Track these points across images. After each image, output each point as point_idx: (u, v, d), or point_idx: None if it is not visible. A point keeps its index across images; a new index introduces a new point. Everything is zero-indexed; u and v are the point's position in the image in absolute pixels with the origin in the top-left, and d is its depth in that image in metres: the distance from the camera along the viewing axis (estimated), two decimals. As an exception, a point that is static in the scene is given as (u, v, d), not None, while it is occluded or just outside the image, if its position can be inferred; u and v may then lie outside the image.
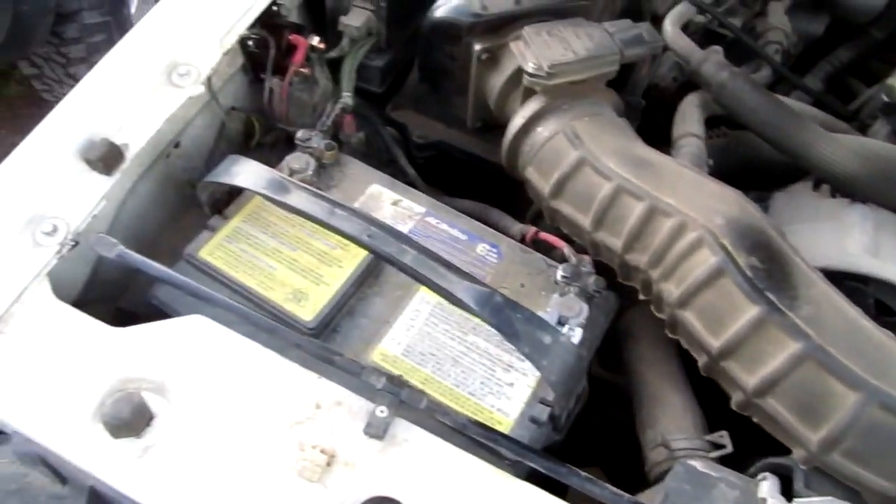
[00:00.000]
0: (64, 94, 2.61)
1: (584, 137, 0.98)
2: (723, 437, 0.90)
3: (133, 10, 2.44)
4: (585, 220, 0.97)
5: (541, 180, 1.02)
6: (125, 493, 0.75)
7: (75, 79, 2.39)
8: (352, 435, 0.78)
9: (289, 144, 1.25)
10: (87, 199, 0.92)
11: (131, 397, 0.78)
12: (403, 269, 0.84)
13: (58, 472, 0.84)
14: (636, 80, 1.10)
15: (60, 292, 0.91)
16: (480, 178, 1.26)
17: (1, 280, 0.85)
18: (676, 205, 0.89)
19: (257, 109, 1.23)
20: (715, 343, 0.84)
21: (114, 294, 1.04)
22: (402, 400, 0.78)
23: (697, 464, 0.84)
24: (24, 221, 0.89)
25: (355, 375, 0.80)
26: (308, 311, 0.93)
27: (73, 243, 0.89)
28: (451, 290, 0.81)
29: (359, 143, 1.24)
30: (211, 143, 1.17)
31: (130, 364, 0.82)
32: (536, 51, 0.99)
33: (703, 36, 1.25)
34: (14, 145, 0.94)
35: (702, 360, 0.88)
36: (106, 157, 0.92)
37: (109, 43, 2.31)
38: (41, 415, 0.78)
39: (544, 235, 1.05)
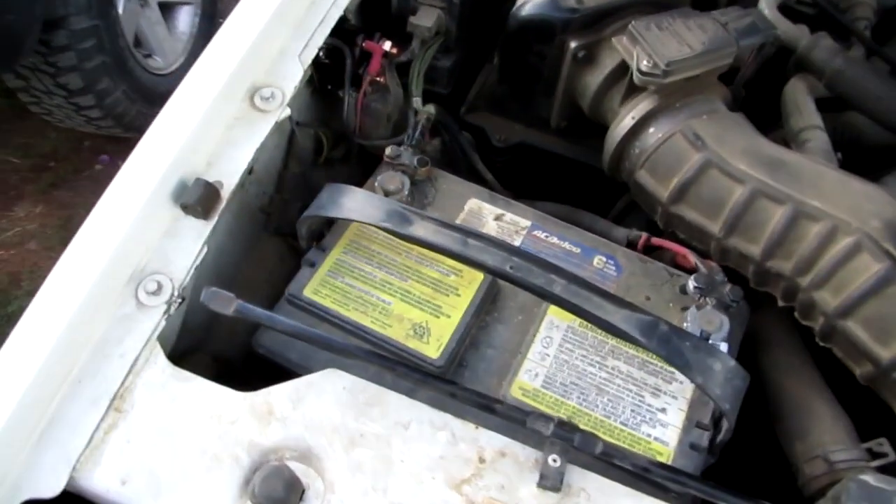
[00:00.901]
0: (53, 105, 2.45)
1: (706, 137, 0.92)
2: (882, 444, 0.86)
3: (121, 10, 2.29)
4: (714, 226, 0.91)
5: (657, 185, 0.96)
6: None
7: (66, 88, 2.25)
8: (525, 489, 0.72)
9: (361, 159, 1.17)
10: (187, 249, 0.83)
11: (281, 472, 0.71)
12: (553, 300, 0.78)
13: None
14: (743, 71, 1.04)
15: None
16: (562, 180, 1.19)
17: (110, 350, 0.77)
18: (823, 207, 0.84)
19: (320, 122, 1.14)
20: (885, 353, 0.79)
21: (198, 340, 0.96)
22: (575, 446, 0.73)
23: (869, 478, 0.80)
24: (124, 281, 0.80)
25: (520, 423, 0.74)
26: (433, 347, 0.86)
27: (180, 300, 0.81)
28: (612, 322, 0.75)
29: (434, 150, 1.16)
30: (279, 164, 1.09)
31: (269, 432, 0.74)
32: (650, 47, 0.91)
33: (783, 14, 1.18)
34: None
35: (864, 371, 0.83)
36: (204, 200, 0.83)
37: (100, 49, 2.18)
38: (181, 499, 0.71)
39: (659, 241, 1.00)
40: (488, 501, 0.71)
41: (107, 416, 0.74)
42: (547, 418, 0.73)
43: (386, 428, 0.75)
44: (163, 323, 0.79)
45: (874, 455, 0.86)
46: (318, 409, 0.76)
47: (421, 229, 0.81)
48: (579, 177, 1.16)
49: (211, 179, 0.86)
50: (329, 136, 1.13)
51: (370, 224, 0.84)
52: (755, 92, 1.12)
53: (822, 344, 0.88)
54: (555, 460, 0.73)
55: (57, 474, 0.71)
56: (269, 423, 0.75)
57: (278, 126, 1.03)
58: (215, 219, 0.85)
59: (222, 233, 0.98)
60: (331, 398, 0.76)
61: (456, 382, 0.76)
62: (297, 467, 0.73)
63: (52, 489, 0.70)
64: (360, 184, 1.14)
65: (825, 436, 0.88)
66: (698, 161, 0.91)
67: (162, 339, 0.81)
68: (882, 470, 0.85)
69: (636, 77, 0.94)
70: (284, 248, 1.10)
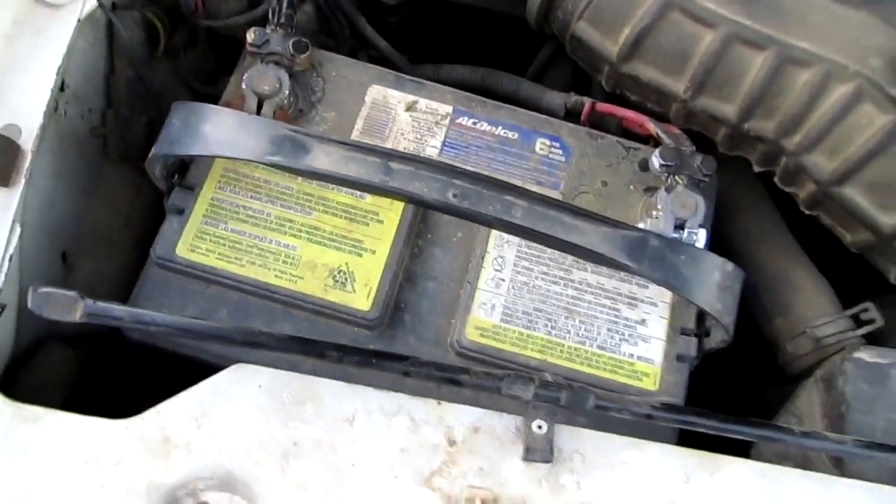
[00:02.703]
0: None
1: (663, -30, 0.71)
2: (868, 310, 0.77)
3: None
4: (679, 84, 0.74)
5: (603, 39, 0.76)
6: None
7: None
8: (509, 466, 0.59)
9: (213, 42, 0.89)
10: (-11, 234, 0.58)
11: (198, 515, 0.54)
12: (515, 230, 0.60)
13: None
14: None
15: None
16: (468, 36, 0.97)
17: None
18: (813, 49, 0.68)
19: (147, 1, 0.84)
20: (889, 220, 0.68)
21: (49, 323, 0.73)
22: (563, 405, 0.59)
23: (863, 354, 0.73)
24: None
25: (495, 391, 0.59)
26: (360, 296, 0.68)
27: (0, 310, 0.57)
28: (591, 246, 0.60)
29: (308, 20, 0.89)
30: (104, 67, 0.80)
31: (171, 465, 0.56)
32: None
33: None
34: None
35: (858, 238, 0.73)
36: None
37: None
38: (74, 581, 0.53)
39: (607, 108, 0.82)
40: (469, 493, 0.57)
41: (-67, 495, 0.53)
42: (526, 380, 0.59)
43: (325, 429, 0.58)
44: (-19, 348, 0.56)
45: (860, 322, 0.78)
46: (231, 421, 0.57)
47: (324, 158, 0.60)
48: (492, 30, 0.93)
49: (4, 127, 0.58)
50: (163, 17, 0.84)
51: (250, 161, 0.61)
52: None
53: (806, 212, 0.76)
54: (540, 426, 0.59)
55: None
56: (168, 453, 0.56)
57: (89, 18, 0.73)
58: (22, 183, 0.59)
59: (47, 178, 0.72)
60: (246, 403, 0.58)
61: (407, 357, 0.58)
62: (218, 499, 0.56)
63: None
64: (216, 77, 0.88)
65: (808, 309, 0.79)
66: (655, 3, 0.71)
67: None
68: (869, 338, 0.78)
69: None
70: (138, 177, 0.84)
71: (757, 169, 0.77)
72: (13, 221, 0.59)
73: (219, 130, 0.62)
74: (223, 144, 0.61)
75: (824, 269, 0.82)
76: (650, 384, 0.69)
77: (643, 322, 0.72)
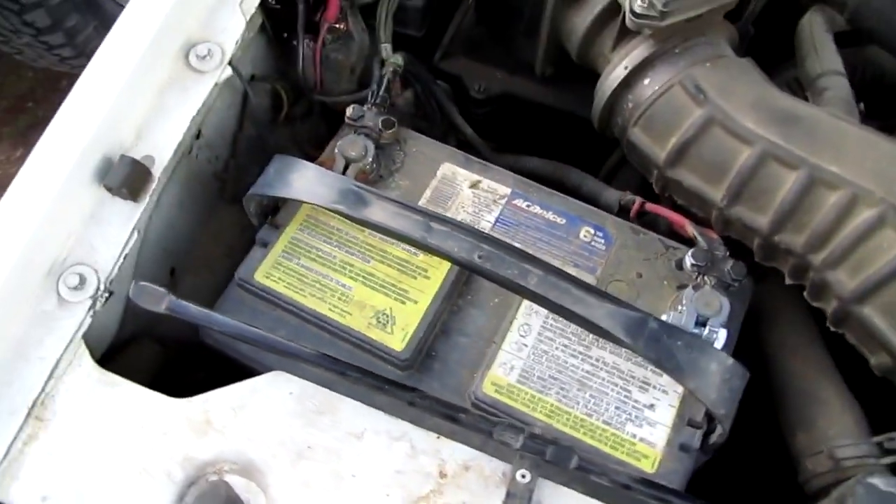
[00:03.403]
0: (23, 45, 2.33)
1: (709, 89, 0.79)
2: (894, 439, 0.77)
3: (87, -63, 2.12)
4: (717, 193, 0.80)
5: (653, 145, 0.84)
6: None
7: (33, 26, 2.11)
8: (491, 507, 0.65)
9: (325, 116, 1.05)
10: (114, 236, 0.73)
11: (217, 489, 0.64)
12: (527, 295, 0.68)
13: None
14: (752, 6, 0.90)
15: (95, 345, 0.75)
16: (550, 133, 1.07)
17: (29, 352, 0.68)
18: (842, 173, 0.73)
19: (280, 75, 1.02)
20: (908, 346, 0.70)
21: (148, 322, 0.88)
22: (547, 460, 0.64)
23: (878, 481, 0.72)
24: (42, 273, 0.71)
25: (486, 434, 0.65)
26: (397, 338, 0.78)
27: (107, 295, 0.72)
28: (593, 318, 0.66)
29: (406, 104, 1.04)
30: (234, 125, 0.97)
31: (206, 444, 0.67)
32: (644, -17, 0.78)
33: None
34: None
35: (880, 361, 0.74)
36: (130, 181, 0.73)
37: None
38: (110, 521, 0.64)
39: (654, 208, 0.89)
40: (449, 522, 0.64)
41: (25, 425, 0.67)
42: (516, 429, 0.65)
43: (337, 439, 0.67)
44: (87, 321, 0.71)
45: (885, 451, 0.77)
46: (261, 418, 0.68)
47: (378, 212, 0.71)
48: (568, 129, 1.03)
49: (140, 155, 0.75)
50: (288, 90, 1.01)
51: (320, 206, 0.74)
52: (764, 27, 0.98)
53: (833, 329, 0.78)
54: (524, 476, 0.65)
55: (-31, 493, 0.64)
56: (207, 433, 0.67)
57: (228, 83, 0.91)
58: (146, 201, 0.75)
59: (169, 206, 0.88)
60: (276, 406, 0.68)
61: (415, 388, 0.67)
62: (237, 482, 0.66)
63: (-38, 510, 0.64)
64: (324, 144, 1.03)
65: (832, 427, 0.79)
66: (700, 118, 0.79)
67: (92, 336, 0.72)
68: (893, 468, 0.76)
69: (629, 19, 0.81)
70: (245, 218, 1.00)
71: (788, 281, 0.80)
72: (134, 229, 0.74)
73: (302, 180, 0.75)
74: (302, 191, 0.74)
75: (864, 390, 0.82)
76: (648, 466, 0.73)
77: (652, 407, 0.76)
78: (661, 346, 0.65)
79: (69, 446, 0.67)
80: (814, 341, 0.85)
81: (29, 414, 0.67)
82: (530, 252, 0.79)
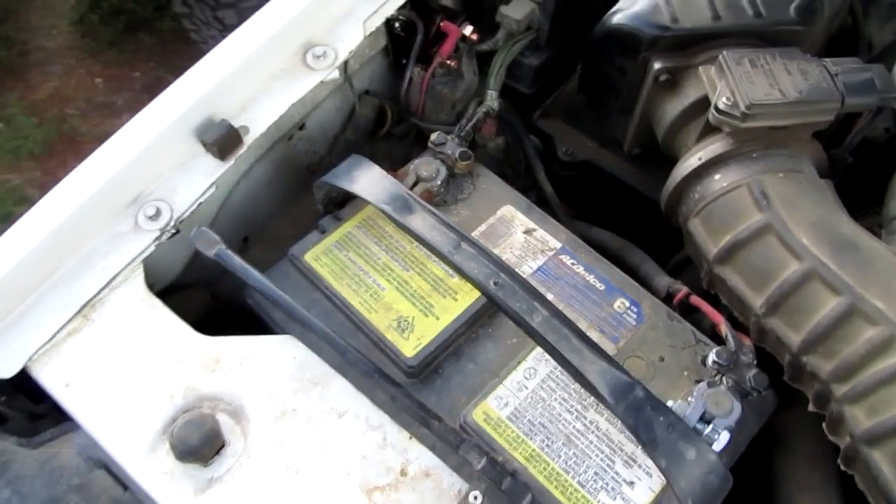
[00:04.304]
0: (209, 36, 2.62)
1: (775, 198, 0.80)
2: None
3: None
4: (757, 300, 0.79)
5: (707, 238, 0.85)
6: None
7: (222, 22, 2.38)
8: (436, 517, 0.67)
9: (419, 140, 1.13)
10: (196, 184, 0.84)
11: (204, 421, 0.70)
12: (528, 331, 0.71)
13: (119, 478, 0.78)
14: (853, 135, 0.90)
15: (157, 275, 0.85)
16: (626, 210, 1.09)
17: (94, 262, 0.79)
18: (886, 311, 0.71)
19: (392, 96, 1.12)
20: (908, 500, 0.66)
21: (214, 276, 0.97)
22: (502, 490, 0.66)
23: None
24: (128, 200, 0.82)
25: (452, 448, 0.68)
26: (411, 345, 0.82)
27: (173, 231, 0.82)
28: (583, 370, 0.67)
29: (496, 149, 1.10)
30: (337, 128, 1.07)
31: (210, 380, 0.73)
32: (734, 82, 0.81)
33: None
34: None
35: (884, 511, 0.70)
36: (222, 142, 0.83)
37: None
38: (110, 419, 0.72)
39: (698, 301, 0.88)
40: (394, 519, 0.66)
41: (73, 320, 0.76)
42: (481, 451, 0.67)
43: (321, 411, 0.72)
44: (151, 248, 0.80)
45: None
46: (262, 371, 0.74)
47: (418, 220, 0.77)
48: (643, 210, 1.05)
49: (238, 124, 0.86)
50: (394, 110, 1.10)
51: (371, 203, 0.80)
52: (868, 165, 0.97)
53: (844, 468, 0.74)
54: (476, 497, 0.66)
55: (14, 360, 0.74)
56: (214, 371, 0.74)
57: (341, 89, 1.02)
58: (231, 162, 0.85)
59: (259, 180, 0.98)
60: (278, 365, 0.74)
61: (400, 385, 0.71)
62: (226, 421, 0.72)
63: (6, 371, 0.73)
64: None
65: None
66: (757, 222, 0.79)
67: (155, 266, 0.82)
68: None
69: (712, 115, 0.83)
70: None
71: (811, 408, 0.78)
72: (213, 184, 0.84)
73: (364, 178, 0.82)
74: (360, 187, 0.81)
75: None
76: (608, 539, 0.72)
77: (631, 484, 0.75)
78: (641, 416, 0.65)
79: (102, 347, 0.75)
80: (828, 482, 0.81)
81: (79, 311, 0.77)
82: (560, 306, 0.83)
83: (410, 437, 0.70)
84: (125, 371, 0.74)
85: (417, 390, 0.81)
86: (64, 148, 2.51)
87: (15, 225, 0.77)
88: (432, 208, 0.78)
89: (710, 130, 0.88)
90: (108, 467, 0.75)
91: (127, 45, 2.78)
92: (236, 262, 0.77)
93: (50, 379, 0.74)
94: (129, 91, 2.80)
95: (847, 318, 0.72)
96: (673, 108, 0.93)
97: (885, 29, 1.10)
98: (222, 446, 0.70)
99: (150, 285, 0.83)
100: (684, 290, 0.90)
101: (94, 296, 0.77)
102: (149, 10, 2.83)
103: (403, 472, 0.69)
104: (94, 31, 2.80)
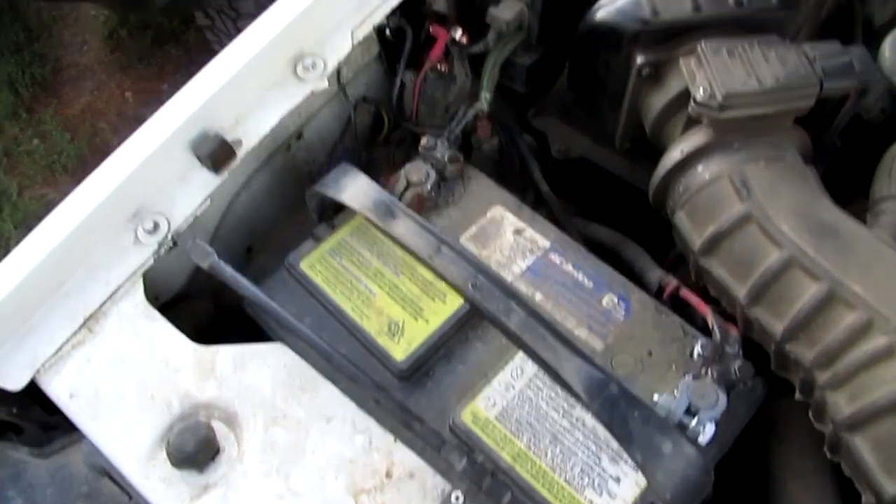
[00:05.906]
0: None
1: (756, 187, 0.80)
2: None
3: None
4: (740, 290, 0.79)
5: (692, 230, 0.85)
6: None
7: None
8: (419, 516, 0.69)
9: (415, 144, 1.15)
10: (193, 197, 0.87)
11: (198, 429, 0.73)
12: (505, 331, 0.72)
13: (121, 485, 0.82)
14: (836, 118, 0.88)
15: (160, 287, 0.89)
16: (622, 204, 1.09)
17: (99, 275, 0.83)
18: (864, 295, 0.70)
19: (389, 102, 1.14)
20: (890, 487, 0.65)
21: (219, 285, 1.00)
22: (482, 489, 0.68)
23: None
24: (129, 214, 0.86)
25: (435, 449, 0.70)
26: (401, 348, 0.84)
27: (171, 244, 0.85)
28: (558, 368, 0.69)
29: (491, 150, 1.11)
30: (336, 136, 1.10)
31: (205, 388, 0.77)
32: (711, 73, 0.80)
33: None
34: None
35: (868, 500, 0.69)
36: (215, 155, 0.86)
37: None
38: (111, 428, 0.76)
39: (687, 294, 0.88)
40: (378, 518, 0.68)
41: (79, 332, 0.81)
42: (462, 452, 0.69)
43: (310, 416, 0.75)
44: (150, 261, 0.84)
45: None
46: (254, 379, 0.77)
47: (400, 226, 0.79)
48: (637, 203, 1.05)
49: (231, 137, 0.89)
50: (391, 116, 1.12)
51: (356, 210, 0.83)
52: (867, 149, 0.95)
53: (830, 456, 0.74)
54: (457, 498, 0.68)
55: (22, 372, 0.78)
56: (208, 379, 0.77)
57: (336, 97, 1.04)
58: (225, 175, 0.88)
59: (259, 189, 1.02)
60: (269, 372, 0.77)
61: (383, 388, 0.73)
62: (220, 428, 0.75)
63: (15, 384, 0.78)
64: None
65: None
66: (738, 212, 0.79)
67: (157, 280, 0.86)
68: None
69: (691, 107, 0.83)
70: (324, 218, 1.12)
71: (797, 396, 0.77)
72: (208, 196, 0.87)
73: (351, 186, 0.85)
74: (347, 196, 0.84)
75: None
76: (593, 535, 0.73)
77: (617, 480, 0.76)
78: (615, 411, 0.66)
79: (105, 358, 0.79)
80: (820, 470, 0.80)
81: (84, 324, 0.81)
82: (550, 304, 0.84)
83: (395, 440, 0.72)
84: (125, 381, 0.78)
85: (409, 393, 0.83)
86: (96, 162, 2.58)
87: (25, 240, 0.82)
88: (414, 214, 0.80)
89: (692, 123, 0.88)
90: (110, 475, 0.79)
91: (155, 58, 2.87)
92: (228, 273, 0.81)
93: (56, 390, 0.78)
94: (158, 103, 2.87)
95: (827, 304, 0.72)
96: (658, 101, 0.92)
97: (887, 6, 1.07)
98: (217, 453, 0.74)
99: (155, 297, 0.87)
100: (674, 282, 0.90)
101: (98, 308, 0.81)
102: (175, 23, 2.91)
103: (389, 475, 0.71)
104: (124, 46, 2.89)
